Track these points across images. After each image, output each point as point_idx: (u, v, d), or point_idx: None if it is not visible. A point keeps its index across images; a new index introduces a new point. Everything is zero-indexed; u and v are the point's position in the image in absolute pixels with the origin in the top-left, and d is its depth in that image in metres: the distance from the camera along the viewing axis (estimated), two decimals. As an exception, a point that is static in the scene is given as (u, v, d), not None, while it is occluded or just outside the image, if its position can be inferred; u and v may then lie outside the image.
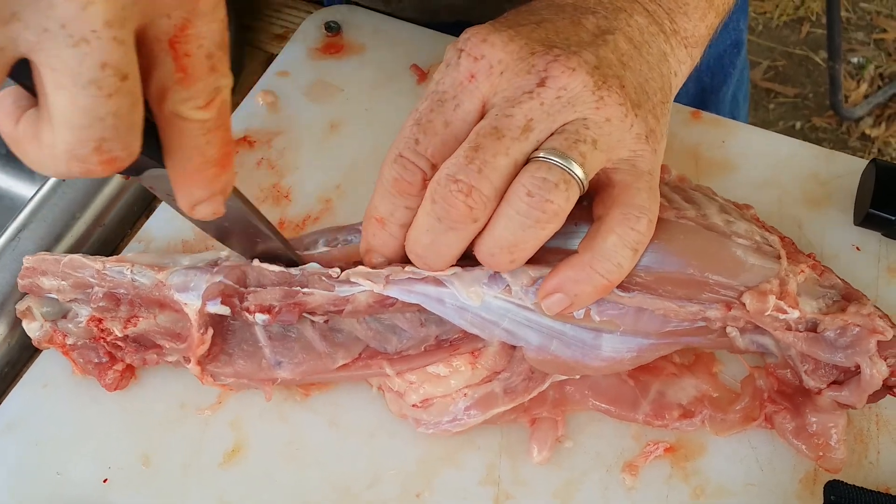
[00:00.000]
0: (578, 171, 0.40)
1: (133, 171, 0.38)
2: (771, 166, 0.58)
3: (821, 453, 0.47)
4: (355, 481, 0.48)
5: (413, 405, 0.47)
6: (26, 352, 0.51)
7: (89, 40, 0.30)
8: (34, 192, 0.63)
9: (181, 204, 0.38)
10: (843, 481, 0.45)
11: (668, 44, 0.46)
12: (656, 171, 0.44)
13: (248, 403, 0.50)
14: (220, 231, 0.47)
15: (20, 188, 0.78)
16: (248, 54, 0.66)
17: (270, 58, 0.65)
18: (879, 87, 1.83)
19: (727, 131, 0.60)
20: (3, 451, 0.48)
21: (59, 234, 0.53)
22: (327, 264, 0.47)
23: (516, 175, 0.40)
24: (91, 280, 0.47)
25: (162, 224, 0.56)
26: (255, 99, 0.62)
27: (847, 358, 0.43)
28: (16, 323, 0.50)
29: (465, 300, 0.44)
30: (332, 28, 0.64)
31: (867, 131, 1.78)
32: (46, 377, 0.50)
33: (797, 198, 0.57)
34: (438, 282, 0.44)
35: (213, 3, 0.34)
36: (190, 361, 0.47)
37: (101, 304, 0.47)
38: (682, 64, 0.47)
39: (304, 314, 0.46)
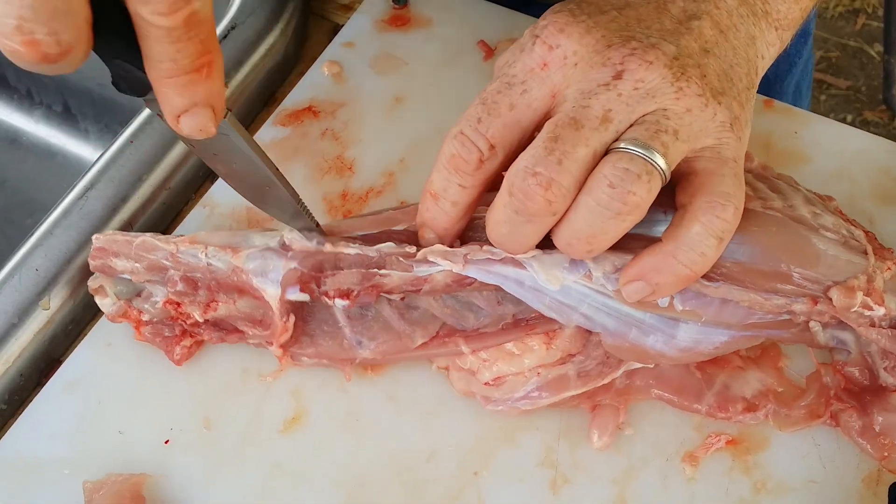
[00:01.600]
0: (661, 162, 0.39)
1: (131, 89, 0.38)
2: (842, 159, 0.57)
3: (886, 453, 0.46)
4: (412, 456, 0.48)
5: (485, 383, 0.46)
6: (90, 310, 0.52)
7: None
8: (93, 154, 0.63)
9: (166, 117, 0.37)
10: (910, 483, 0.44)
11: (757, 26, 0.45)
12: (741, 158, 0.43)
13: (308, 373, 0.50)
14: (226, 169, 0.45)
15: (79, 149, 0.79)
16: (314, 24, 0.66)
17: (336, 28, 0.65)
18: (935, 84, 1.79)
19: (800, 121, 0.59)
20: (66, 409, 0.49)
21: (126, 196, 0.53)
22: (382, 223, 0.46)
23: (595, 166, 0.40)
24: (165, 263, 0.47)
25: (226, 189, 0.55)
26: (321, 69, 0.61)
27: (931, 359, 0.42)
28: (80, 281, 0.51)
29: (545, 284, 0.43)
30: (400, 0, 0.64)
31: (920, 128, 1.75)
32: (110, 336, 0.51)
33: (868, 192, 0.56)
34: (517, 263, 0.43)
35: None
36: (272, 344, 0.47)
37: (179, 287, 0.47)
38: (770, 46, 0.46)
39: (382, 293, 0.46)
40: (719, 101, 0.41)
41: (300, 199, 0.46)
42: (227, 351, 0.50)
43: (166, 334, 0.49)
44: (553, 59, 0.41)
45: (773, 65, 0.78)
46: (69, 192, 0.53)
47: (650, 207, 0.40)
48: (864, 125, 1.75)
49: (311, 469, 0.47)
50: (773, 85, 0.79)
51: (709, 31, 0.43)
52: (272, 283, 0.45)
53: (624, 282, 0.42)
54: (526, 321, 0.46)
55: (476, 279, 0.44)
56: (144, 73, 0.36)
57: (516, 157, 0.42)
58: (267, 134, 0.59)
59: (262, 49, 0.61)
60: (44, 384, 0.49)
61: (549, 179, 0.39)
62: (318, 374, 0.50)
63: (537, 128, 0.42)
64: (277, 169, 0.44)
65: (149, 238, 0.48)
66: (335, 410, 0.49)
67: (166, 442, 0.48)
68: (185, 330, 0.49)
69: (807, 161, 0.57)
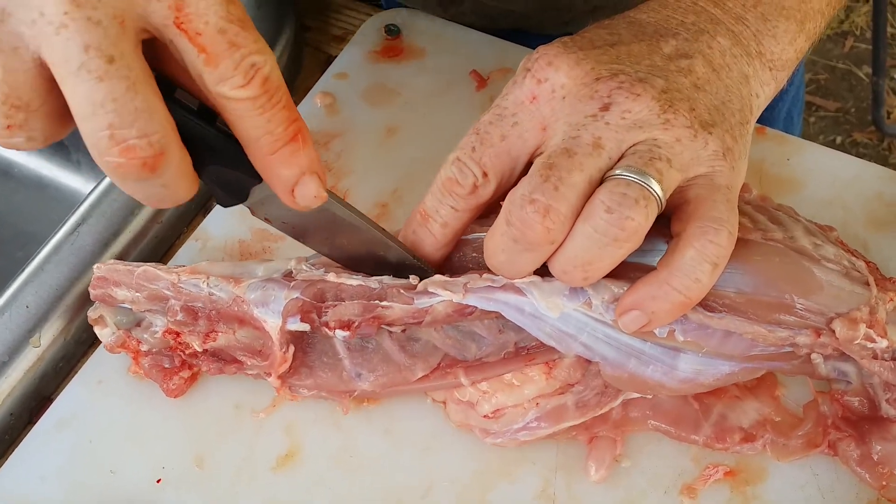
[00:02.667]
0: (657, 188, 0.39)
1: (232, 195, 0.40)
2: (835, 186, 0.57)
3: (884, 482, 0.46)
4: (409, 491, 0.47)
5: (484, 415, 0.46)
6: (81, 347, 0.51)
7: (67, 24, 0.32)
8: (85, 185, 0.63)
9: (280, 194, 0.39)
10: (910, 514, 0.44)
11: (751, 66, 0.45)
12: (735, 186, 0.43)
13: (302, 408, 0.49)
14: (333, 247, 0.46)
15: (70, 180, 0.78)
16: (307, 55, 0.66)
17: (329, 59, 0.65)
18: (923, 105, 1.80)
19: (792, 148, 0.59)
20: (57, 447, 0.48)
21: (117, 230, 0.53)
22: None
23: (591, 194, 0.40)
24: (166, 292, 0.47)
25: (218, 223, 0.56)
26: (314, 100, 0.61)
27: (933, 390, 0.42)
28: (72, 318, 0.50)
29: (545, 311, 0.43)
30: (392, 31, 0.64)
31: (909, 148, 1.76)
32: (102, 374, 0.50)
33: (862, 219, 0.56)
34: (518, 290, 0.43)
35: None
36: (270, 375, 0.47)
37: (179, 317, 0.47)
38: (764, 86, 0.46)
39: (382, 326, 0.46)
40: (709, 132, 0.42)
41: (411, 252, 0.46)
42: (219, 387, 0.50)
43: (165, 366, 0.48)
44: (542, 92, 0.42)
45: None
46: (60, 228, 0.52)
47: (651, 237, 0.40)
48: (854, 146, 1.76)
49: (306, 506, 0.47)
50: (764, 112, 0.80)
51: (701, 69, 0.43)
52: (273, 313, 0.45)
53: (620, 312, 0.42)
54: (527, 350, 0.46)
55: (477, 308, 0.44)
56: (238, 168, 0.38)
57: (508, 187, 0.42)
58: (259, 166, 0.58)
59: (255, 81, 0.61)
60: (35, 423, 0.49)
61: (547, 206, 0.39)
62: (312, 409, 0.49)
63: (530, 160, 0.43)
64: (384, 229, 0.45)
65: (150, 268, 0.48)
66: (329, 446, 0.48)
67: (158, 481, 0.47)
68: (184, 361, 0.48)
69: (800, 188, 0.57)
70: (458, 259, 0.46)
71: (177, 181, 0.36)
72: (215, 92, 0.35)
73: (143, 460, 0.48)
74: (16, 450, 0.48)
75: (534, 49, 0.46)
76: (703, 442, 0.47)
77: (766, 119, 0.80)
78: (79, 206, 0.53)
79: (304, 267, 0.47)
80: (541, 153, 0.42)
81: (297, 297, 0.45)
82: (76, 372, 0.51)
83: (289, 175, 0.38)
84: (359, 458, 0.48)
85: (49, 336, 0.50)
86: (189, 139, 0.36)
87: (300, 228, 0.44)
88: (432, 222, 0.44)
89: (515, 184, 0.41)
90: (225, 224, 0.55)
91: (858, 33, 1.90)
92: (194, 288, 0.47)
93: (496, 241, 0.41)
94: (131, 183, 0.35)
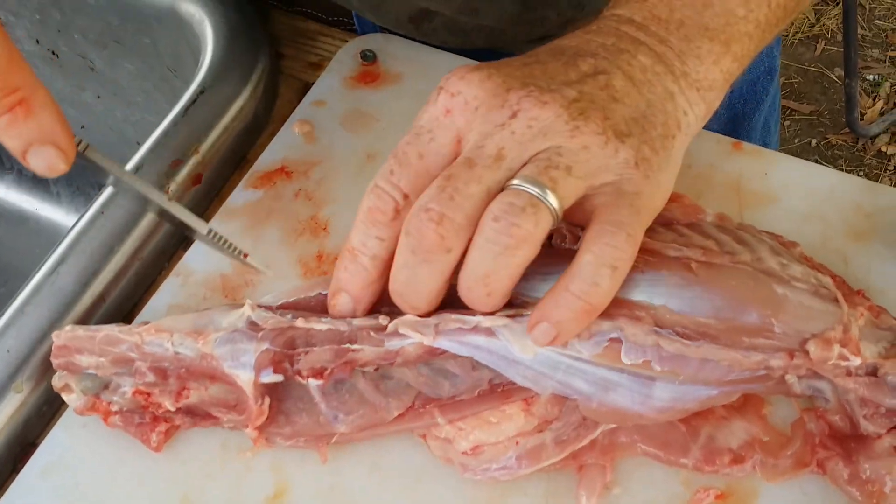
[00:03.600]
0: (550, 197, 0.40)
1: None
2: (814, 198, 0.57)
3: (875, 501, 0.46)
4: (400, 525, 0.47)
5: (463, 452, 0.46)
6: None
7: None
8: (66, 218, 0.62)
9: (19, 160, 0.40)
10: (900, 531, 0.44)
11: (675, 84, 0.45)
12: (647, 195, 0.42)
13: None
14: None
15: (51, 213, 0.78)
16: (283, 83, 0.66)
17: (306, 86, 0.64)
18: (895, 105, 1.82)
19: (769, 162, 0.59)
20: (43, 494, 0.47)
21: (97, 269, 0.52)
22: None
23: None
24: (131, 355, 0.46)
25: (200, 257, 0.55)
26: (292, 128, 0.61)
27: (910, 403, 0.42)
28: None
29: (518, 353, 0.43)
30: (368, 57, 0.64)
31: (883, 149, 1.78)
32: (86, 418, 0.49)
33: (841, 231, 0.56)
34: (489, 332, 0.43)
35: None
36: (248, 427, 0.46)
37: (147, 378, 0.46)
38: (693, 105, 0.46)
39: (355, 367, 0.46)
40: (622, 140, 0.42)
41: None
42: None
43: (137, 422, 0.47)
44: (455, 104, 0.42)
45: (739, 103, 0.80)
46: (39, 268, 0.52)
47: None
48: (829, 148, 1.77)
49: (297, 543, 0.46)
50: (741, 122, 0.80)
51: (619, 82, 0.43)
52: (244, 367, 0.45)
53: (530, 326, 0.42)
54: (502, 387, 0.46)
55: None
56: None
57: None
58: (240, 197, 0.58)
59: (233, 111, 0.61)
60: (19, 470, 0.48)
61: (441, 214, 0.39)
62: (298, 447, 0.49)
63: None
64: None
65: (111, 331, 0.47)
66: (317, 484, 0.48)
67: (147, 524, 0.47)
68: (157, 417, 0.47)
69: (778, 201, 0.57)
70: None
71: None
72: None
73: (130, 503, 0.47)
74: (1, 499, 0.47)
75: None
76: (692, 465, 0.47)
77: (744, 129, 0.81)
78: (57, 246, 0.52)
79: (269, 314, 0.46)
80: None
81: (267, 349, 0.44)
82: (60, 416, 0.50)
83: (13, 146, 0.39)
84: (347, 494, 0.47)
85: (32, 381, 0.49)
86: None
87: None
88: (361, 256, 0.44)
89: None
90: (206, 259, 0.55)
91: (829, 36, 1.92)
92: (159, 348, 0.46)
93: (398, 258, 0.42)
94: None
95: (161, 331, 0.46)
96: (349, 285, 0.45)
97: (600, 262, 0.40)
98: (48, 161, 0.39)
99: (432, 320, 0.44)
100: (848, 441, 0.46)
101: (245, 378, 0.45)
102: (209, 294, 0.54)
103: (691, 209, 0.50)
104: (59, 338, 0.47)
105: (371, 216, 0.43)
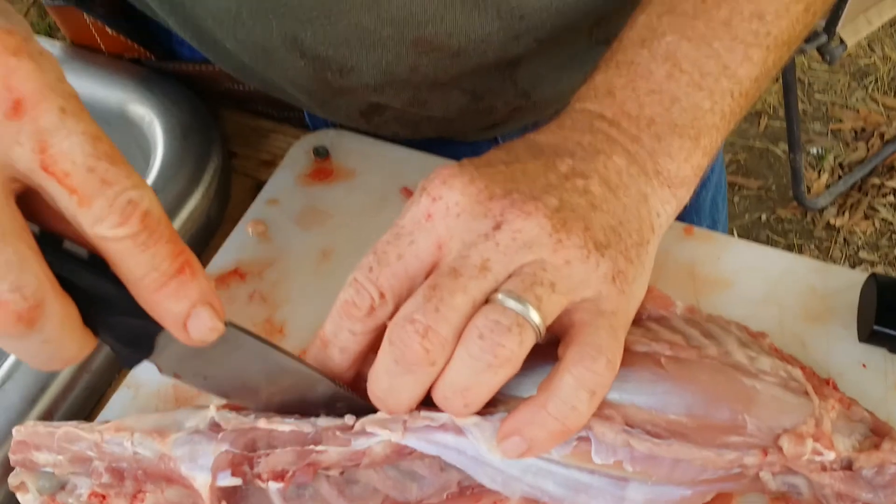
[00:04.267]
0: (534, 315, 0.39)
1: (136, 349, 0.38)
2: (768, 282, 0.58)
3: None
4: None
5: None
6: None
7: None
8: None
9: (173, 330, 0.37)
10: None
11: (649, 185, 0.46)
12: (622, 312, 0.43)
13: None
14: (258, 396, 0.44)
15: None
16: (236, 182, 0.65)
17: (258, 184, 0.64)
18: (840, 177, 1.88)
19: (721, 247, 0.60)
20: None
21: (45, 384, 0.50)
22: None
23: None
24: (90, 454, 0.45)
25: (150, 368, 0.53)
26: (245, 229, 0.61)
27: (887, 497, 0.42)
28: (1, 481, 0.48)
29: (486, 455, 0.42)
30: (321, 153, 0.64)
31: (832, 221, 1.82)
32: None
33: (797, 314, 0.56)
34: (458, 430, 0.42)
35: (56, 117, 0.34)
36: None
37: (104, 479, 0.45)
38: (665, 204, 0.47)
39: (319, 470, 0.44)
40: (602, 253, 0.42)
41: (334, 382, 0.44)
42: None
43: None
44: (437, 210, 0.42)
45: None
46: (-15, 383, 0.50)
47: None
48: (779, 222, 1.81)
49: None
50: (689, 202, 0.81)
51: (597, 188, 0.44)
52: (202, 469, 0.43)
53: (500, 437, 0.41)
54: (471, 490, 0.45)
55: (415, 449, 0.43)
56: (136, 316, 0.36)
57: None
58: (192, 299, 0.57)
59: (185, 213, 0.60)
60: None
61: (426, 327, 0.39)
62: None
63: (427, 277, 0.43)
64: (304, 361, 0.43)
65: (72, 428, 0.45)
66: None
67: None
68: None
69: (732, 286, 0.58)
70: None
71: (61, 336, 0.34)
72: (93, 234, 0.34)
73: None
74: None
75: (460, 159, 0.46)
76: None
77: (692, 209, 0.83)
78: (2, 363, 0.51)
79: (232, 415, 0.45)
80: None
81: (226, 450, 0.43)
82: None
83: (179, 309, 0.36)
84: None
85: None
86: (79, 290, 0.34)
87: (217, 379, 0.42)
88: (332, 347, 0.43)
89: None
90: (157, 370, 0.53)
91: (771, 112, 1.98)
92: (118, 447, 0.44)
93: (378, 364, 0.41)
94: (9, 340, 0.33)
95: (122, 429, 0.45)
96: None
97: (580, 386, 0.40)
98: (210, 322, 0.37)
99: (401, 417, 0.43)
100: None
101: (201, 481, 0.43)
102: (161, 406, 0.52)
103: (661, 301, 0.50)
104: (19, 433, 0.46)
105: (346, 309, 0.42)
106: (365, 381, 0.43)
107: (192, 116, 0.65)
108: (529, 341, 0.40)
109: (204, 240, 0.62)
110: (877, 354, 0.54)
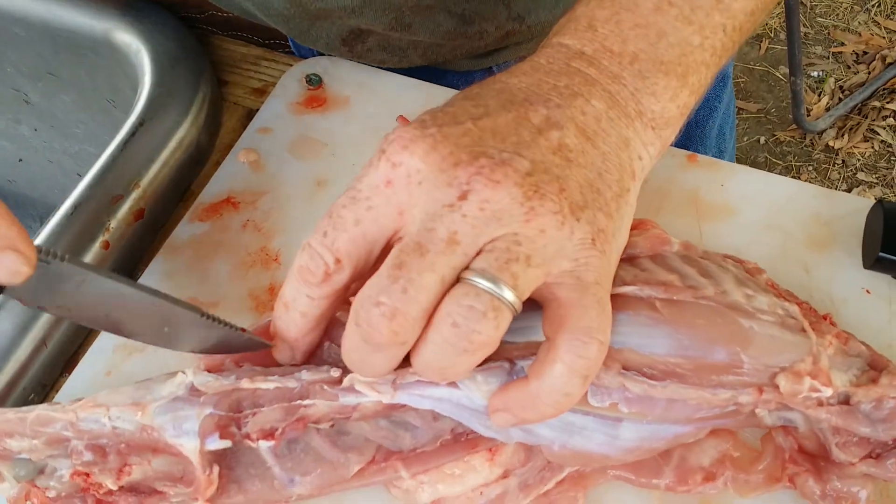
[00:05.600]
0: (510, 296, 0.38)
1: None
2: (772, 208, 0.57)
3: (850, 513, 0.45)
4: (368, 568, 0.45)
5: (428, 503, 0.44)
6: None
7: None
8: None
9: None
10: (876, 544, 0.43)
11: (631, 128, 0.43)
12: (606, 275, 0.41)
13: (249, 490, 0.47)
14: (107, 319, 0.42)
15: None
16: (227, 111, 0.64)
17: (250, 113, 0.63)
18: (840, 100, 1.85)
19: (725, 174, 0.59)
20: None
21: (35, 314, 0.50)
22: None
23: (445, 292, 0.38)
24: (65, 434, 0.43)
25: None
26: (237, 158, 0.59)
27: (885, 432, 0.42)
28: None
29: (480, 402, 0.41)
30: (313, 81, 0.62)
31: (831, 143, 1.80)
32: None
33: (801, 240, 0.55)
34: (451, 383, 0.41)
35: None
36: (198, 500, 0.43)
37: (85, 458, 0.43)
38: (648, 146, 0.44)
39: (309, 424, 0.43)
40: (578, 218, 0.39)
41: (205, 312, 0.43)
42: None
43: None
44: (397, 177, 0.39)
45: (693, 112, 0.79)
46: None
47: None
48: (778, 145, 1.79)
49: None
50: (694, 131, 0.80)
51: (573, 139, 0.41)
52: (188, 435, 0.42)
53: (492, 411, 0.41)
54: (466, 436, 0.44)
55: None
56: None
57: (366, 270, 0.40)
58: (185, 231, 0.56)
59: (174, 143, 0.59)
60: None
61: (394, 310, 0.37)
62: (261, 491, 0.47)
63: (388, 244, 0.41)
64: (158, 291, 0.42)
65: (43, 411, 0.43)
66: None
67: (101, 587, 0.44)
68: (99, 500, 0.44)
69: (736, 213, 0.57)
70: (328, 348, 0.45)
71: None
72: None
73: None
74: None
75: (457, 89, 0.44)
76: (665, 486, 0.46)
77: (698, 138, 0.81)
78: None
79: (211, 378, 0.43)
80: (399, 238, 0.40)
81: (211, 413, 0.42)
82: None
83: None
84: (313, 537, 0.46)
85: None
86: None
87: (80, 312, 0.41)
88: (292, 311, 0.42)
89: (375, 267, 0.39)
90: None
91: (773, 35, 1.95)
92: (95, 424, 0.43)
93: (348, 342, 0.39)
94: None
95: (97, 405, 0.43)
96: (285, 333, 0.43)
97: (572, 374, 0.39)
98: (14, 266, 0.37)
99: (389, 376, 0.42)
100: (817, 459, 0.46)
101: (190, 447, 0.42)
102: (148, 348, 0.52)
103: (656, 240, 0.48)
104: None
105: (302, 275, 0.41)
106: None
107: (180, 44, 0.63)
108: (506, 322, 0.38)
109: (195, 169, 0.60)
110: (881, 281, 0.53)
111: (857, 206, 0.56)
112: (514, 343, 0.43)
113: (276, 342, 0.44)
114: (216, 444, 0.42)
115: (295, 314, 0.42)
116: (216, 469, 0.43)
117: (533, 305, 0.41)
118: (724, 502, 0.47)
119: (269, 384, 0.42)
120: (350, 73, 0.63)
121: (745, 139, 1.80)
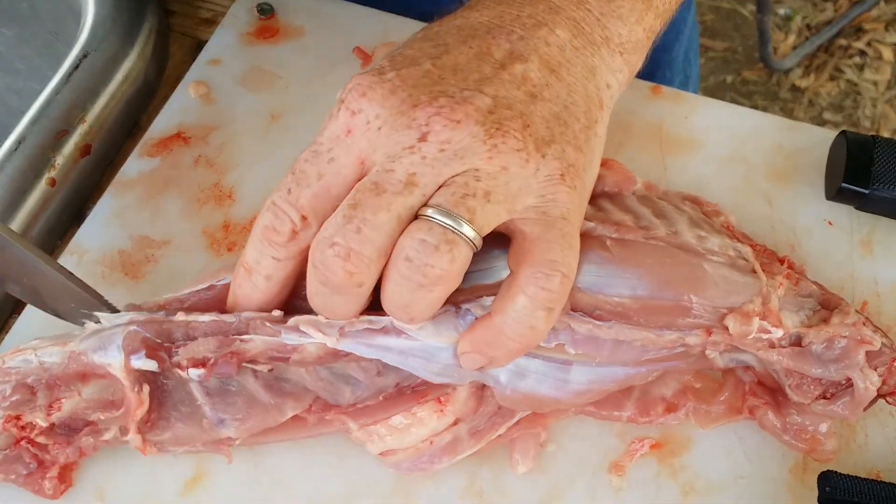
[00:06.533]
0: (467, 229, 0.37)
1: None
2: (735, 140, 0.56)
3: (809, 445, 0.45)
4: (328, 503, 0.45)
5: (377, 454, 0.44)
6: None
7: None
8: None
9: None
10: (836, 472, 0.43)
11: (597, 55, 0.42)
12: (575, 211, 0.40)
13: (204, 429, 0.46)
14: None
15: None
16: (174, 42, 0.61)
17: (199, 44, 0.60)
18: (807, 38, 1.84)
19: (689, 106, 0.58)
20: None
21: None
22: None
23: (402, 231, 0.37)
24: None
25: (94, 232, 0.51)
26: (187, 90, 0.57)
27: (837, 372, 0.41)
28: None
29: (437, 345, 0.40)
30: (265, 10, 0.60)
31: (797, 82, 1.80)
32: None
33: (764, 172, 0.55)
34: (401, 332, 0.40)
35: None
36: (129, 432, 0.42)
37: (13, 399, 0.41)
38: (616, 73, 0.43)
39: (245, 364, 0.41)
40: (543, 154, 0.39)
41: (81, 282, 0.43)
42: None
43: (22, 472, 0.43)
44: (356, 124, 0.39)
45: (658, 36, 0.78)
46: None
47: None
48: (745, 84, 1.79)
49: (219, 533, 0.44)
50: (661, 56, 0.78)
51: (536, 73, 0.40)
52: (114, 350, 0.40)
53: (459, 352, 0.40)
54: (412, 388, 0.43)
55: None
56: None
57: None
58: (134, 167, 0.54)
59: (120, 75, 0.56)
60: None
61: (348, 250, 0.36)
62: (216, 429, 0.46)
63: None
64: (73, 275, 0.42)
65: None
66: (238, 464, 0.45)
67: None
68: (40, 461, 0.43)
69: (699, 146, 0.56)
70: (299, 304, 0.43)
71: None
72: None
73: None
74: None
75: (419, 21, 0.42)
76: (627, 418, 0.46)
77: (665, 63, 0.79)
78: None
79: (143, 313, 0.42)
80: None
81: (135, 330, 0.40)
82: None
83: None
84: (272, 473, 0.45)
85: None
86: None
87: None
88: (256, 275, 0.40)
89: None
90: (101, 234, 0.51)
91: (740, -28, 1.92)
92: (23, 363, 0.41)
93: (309, 283, 0.39)
94: None
95: (24, 350, 0.42)
96: (245, 303, 0.41)
97: (535, 306, 0.38)
98: None
99: (337, 322, 0.40)
100: (776, 393, 0.46)
101: (116, 363, 0.40)
102: (107, 272, 0.50)
103: (622, 179, 0.47)
104: None
105: (266, 235, 0.39)
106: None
107: (125, -29, 0.60)
108: (463, 256, 0.37)
109: (143, 103, 0.58)
110: (843, 212, 0.53)
111: (820, 138, 0.56)
112: (483, 284, 0.42)
113: (235, 311, 0.42)
114: (142, 362, 0.41)
115: (258, 278, 0.40)
116: (146, 388, 0.41)
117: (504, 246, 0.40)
118: (683, 435, 0.47)
119: (204, 317, 0.41)
120: (304, 2, 0.61)
121: (710, 79, 1.78)
